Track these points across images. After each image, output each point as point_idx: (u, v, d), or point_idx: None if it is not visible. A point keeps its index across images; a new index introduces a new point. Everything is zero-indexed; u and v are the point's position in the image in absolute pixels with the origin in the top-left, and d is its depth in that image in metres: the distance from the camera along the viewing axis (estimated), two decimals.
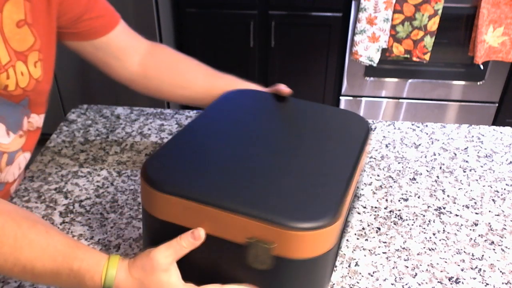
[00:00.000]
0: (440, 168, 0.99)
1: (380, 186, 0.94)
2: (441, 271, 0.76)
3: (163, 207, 0.64)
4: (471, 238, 0.82)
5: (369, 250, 0.80)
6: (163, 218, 0.64)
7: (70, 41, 0.83)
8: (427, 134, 1.09)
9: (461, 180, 0.96)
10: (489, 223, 0.86)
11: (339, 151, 0.74)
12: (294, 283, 0.63)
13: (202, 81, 0.90)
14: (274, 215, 0.59)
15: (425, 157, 1.02)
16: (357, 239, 0.82)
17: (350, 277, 0.75)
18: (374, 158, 1.01)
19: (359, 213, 0.87)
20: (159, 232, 0.66)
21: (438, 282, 0.74)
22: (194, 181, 0.63)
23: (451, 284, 0.74)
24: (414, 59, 2.12)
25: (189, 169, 0.66)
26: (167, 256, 0.61)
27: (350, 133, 0.80)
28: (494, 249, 0.80)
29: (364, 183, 0.94)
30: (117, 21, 0.85)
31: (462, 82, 2.25)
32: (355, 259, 0.78)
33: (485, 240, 0.82)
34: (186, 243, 0.62)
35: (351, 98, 2.35)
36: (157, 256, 0.61)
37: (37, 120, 0.80)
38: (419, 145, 1.05)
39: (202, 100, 0.90)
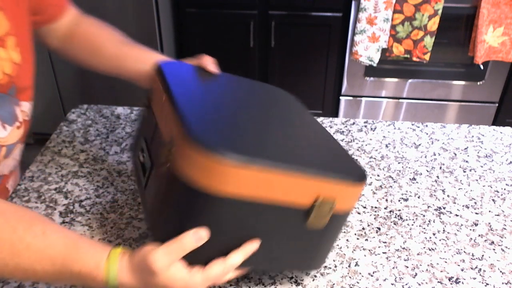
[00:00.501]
0: (440, 168, 0.99)
1: (380, 186, 0.94)
2: (441, 271, 0.76)
3: (231, 181, 0.55)
4: (471, 238, 0.82)
5: (369, 250, 0.80)
6: (227, 195, 0.55)
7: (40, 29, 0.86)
8: (427, 134, 1.09)
9: (461, 180, 0.96)
10: (489, 223, 0.86)
11: (301, 119, 0.77)
12: (333, 237, 0.69)
13: (112, 48, 0.87)
14: (336, 173, 0.62)
15: (425, 157, 1.02)
16: (357, 239, 0.82)
17: (350, 277, 0.75)
18: (374, 158, 1.01)
19: (359, 213, 0.87)
20: (216, 214, 0.58)
21: (438, 282, 0.74)
22: (252, 147, 0.58)
23: (451, 284, 0.74)
24: (414, 59, 2.12)
25: (233, 135, 0.59)
26: (166, 259, 0.59)
27: (291, 102, 0.84)
28: (494, 249, 0.80)
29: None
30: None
31: (462, 82, 2.25)
32: (355, 259, 0.78)
33: (485, 240, 0.82)
34: (188, 244, 0.59)
35: (351, 98, 2.35)
36: (155, 260, 0.58)
37: (29, 107, 0.80)
38: (419, 145, 1.05)
39: (114, 69, 0.87)
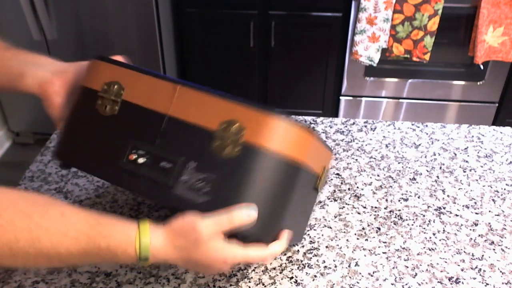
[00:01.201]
0: (440, 168, 0.99)
1: (380, 186, 0.94)
2: (441, 271, 0.76)
3: (307, 149, 0.64)
4: (471, 238, 0.82)
5: (369, 250, 0.80)
6: (306, 162, 0.65)
7: None
8: (427, 134, 1.09)
9: (461, 180, 0.96)
10: (489, 223, 0.86)
11: None
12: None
13: None
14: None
15: (425, 157, 1.02)
16: (357, 239, 0.82)
17: (350, 277, 0.75)
18: (374, 158, 1.01)
19: (359, 213, 0.87)
20: (294, 180, 0.65)
21: (438, 282, 0.74)
22: None
23: (451, 284, 0.74)
24: (414, 59, 2.12)
25: None
26: (214, 229, 0.59)
27: None
28: (494, 249, 0.80)
29: (364, 183, 0.94)
30: None
31: (462, 82, 2.25)
32: (355, 259, 0.78)
33: (485, 240, 0.82)
34: (238, 218, 0.59)
35: (351, 98, 2.35)
36: (203, 228, 0.58)
37: None
38: (419, 145, 1.05)
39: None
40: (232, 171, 0.62)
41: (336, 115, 2.42)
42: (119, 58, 0.73)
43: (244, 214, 0.60)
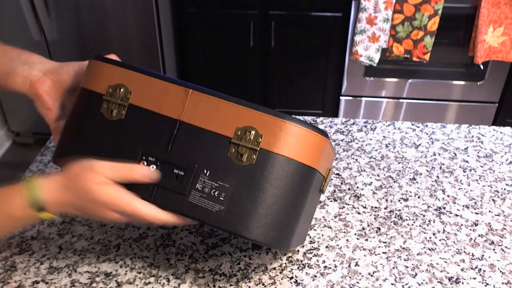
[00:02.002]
0: (440, 168, 0.99)
1: (380, 186, 0.94)
2: (441, 271, 0.76)
3: (314, 149, 0.64)
4: (471, 238, 0.82)
5: (369, 250, 0.80)
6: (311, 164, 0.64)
7: None
8: (427, 134, 1.09)
9: (461, 180, 0.96)
10: (489, 223, 0.86)
11: None
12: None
13: None
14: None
15: (425, 157, 1.02)
16: (357, 239, 0.82)
17: (350, 277, 0.75)
18: (374, 158, 1.01)
19: (359, 213, 0.87)
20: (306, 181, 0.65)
21: (438, 282, 0.74)
22: None
23: (451, 284, 0.74)
24: (414, 59, 2.12)
25: None
26: (109, 173, 0.59)
27: None
28: (494, 249, 0.80)
29: (364, 183, 0.94)
30: None
31: (462, 82, 2.25)
32: (355, 259, 0.78)
33: (485, 240, 0.82)
34: (138, 173, 0.60)
35: (351, 98, 2.35)
36: (99, 169, 0.59)
37: None
38: (419, 145, 1.05)
39: None
40: (249, 178, 0.61)
41: (336, 115, 2.42)
42: (113, 57, 0.72)
43: (146, 169, 0.60)
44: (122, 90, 0.66)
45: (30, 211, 0.58)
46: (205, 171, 0.62)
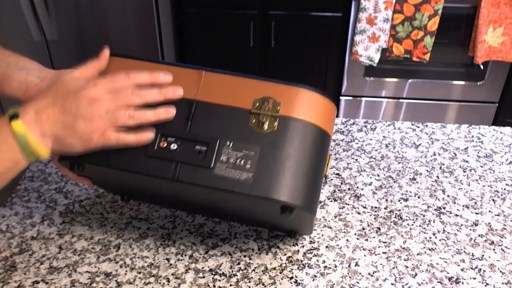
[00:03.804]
0: (440, 168, 0.99)
1: (380, 186, 0.94)
2: (441, 271, 0.76)
3: (330, 117, 0.70)
4: (471, 238, 0.82)
5: (369, 250, 0.80)
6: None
7: None
8: (427, 134, 1.09)
9: (461, 180, 0.96)
10: (489, 223, 0.86)
11: None
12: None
13: None
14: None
15: (425, 157, 1.02)
16: (357, 239, 0.82)
17: (350, 277, 0.75)
18: (374, 158, 1.01)
19: (359, 213, 0.87)
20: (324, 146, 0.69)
21: (438, 282, 0.74)
22: None
23: (451, 284, 0.74)
24: (414, 59, 2.12)
25: None
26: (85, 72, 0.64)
27: None
28: (494, 249, 0.80)
29: (364, 183, 0.94)
30: None
31: (462, 82, 2.25)
32: (355, 259, 0.78)
33: (485, 240, 0.82)
34: (122, 81, 0.63)
35: (351, 98, 2.35)
36: (76, 72, 0.64)
37: None
38: (419, 145, 1.05)
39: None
40: (273, 145, 0.64)
41: (336, 115, 2.42)
42: (106, 49, 0.72)
43: (133, 92, 0.63)
44: None
45: (10, 130, 0.60)
46: (228, 143, 0.65)
